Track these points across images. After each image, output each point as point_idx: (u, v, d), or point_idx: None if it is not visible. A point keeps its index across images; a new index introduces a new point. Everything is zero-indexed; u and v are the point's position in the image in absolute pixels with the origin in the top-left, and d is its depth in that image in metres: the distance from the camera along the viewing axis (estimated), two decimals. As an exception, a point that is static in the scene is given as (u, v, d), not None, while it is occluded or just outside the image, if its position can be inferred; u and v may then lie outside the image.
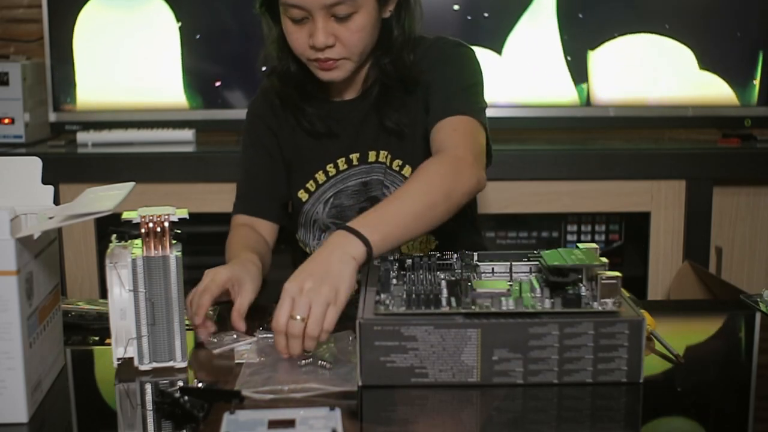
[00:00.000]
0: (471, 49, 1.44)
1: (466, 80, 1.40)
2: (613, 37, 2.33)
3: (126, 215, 1.03)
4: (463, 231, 1.51)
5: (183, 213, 1.03)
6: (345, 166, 1.46)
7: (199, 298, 1.17)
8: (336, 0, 1.27)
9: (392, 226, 1.12)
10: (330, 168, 1.46)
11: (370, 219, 1.12)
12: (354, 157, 1.45)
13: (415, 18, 1.40)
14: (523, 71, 2.35)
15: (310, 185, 1.47)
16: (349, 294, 1.06)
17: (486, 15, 2.34)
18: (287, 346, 1.04)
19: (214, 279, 1.19)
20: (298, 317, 1.02)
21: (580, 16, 2.33)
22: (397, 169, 1.44)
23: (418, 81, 1.40)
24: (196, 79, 2.40)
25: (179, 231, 1.04)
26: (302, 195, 1.48)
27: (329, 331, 1.04)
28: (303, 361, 1.03)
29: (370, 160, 1.45)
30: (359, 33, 1.32)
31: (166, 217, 1.02)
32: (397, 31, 1.39)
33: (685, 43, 2.33)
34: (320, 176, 1.47)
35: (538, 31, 2.34)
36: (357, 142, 1.45)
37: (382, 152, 1.45)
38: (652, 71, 2.35)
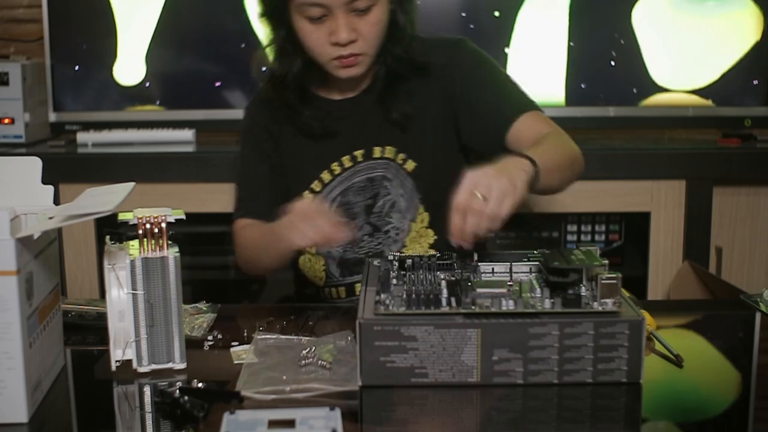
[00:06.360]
0: None
1: (512, 80, 1.46)
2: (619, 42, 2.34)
3: (122, 216, 1.03)
4: None
5: (179, 214, 1.03)
6: (350, 164, 1.47)
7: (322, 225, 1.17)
8: None
9: (546, 162, 1.20)
10: (335, 167, 1.47)
11: (528, 152, 1.19)
12: (358, 153, 1.46)
13: (415, 8, 1.44)
14: (524, 70, 2.35)
15: (316, 185, 1.48)
16: (523, 194, 1.11)
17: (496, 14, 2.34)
18: (463, 225, 1.07)
19: (315, 207, 1.21)
20: (480, 195, 1.06)
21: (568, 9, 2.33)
22: (401, 162, 1.46)
23: (429, 67, 1.43)
24: (196, 79, 2.40)
25: (172, 232, 1.04)
26: (308, 196, 1.48)
27: (504, 219, 1.08)
28: (303, 361, 1.03)
29: (375, 155, 1.46)
30: (378, 25, 1.35)
31: (163, 218, 1.02)
32: (403, 20, 1.42)
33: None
34: (326, 176, 1.47)
35: (539, 30, 2.34)
36: (360, 139, 1.47)
37: (387, 147, 1.46)
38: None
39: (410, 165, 1.46)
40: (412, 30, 1.43)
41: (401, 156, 1.46)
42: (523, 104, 1.42)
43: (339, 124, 1.47)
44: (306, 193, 1.48)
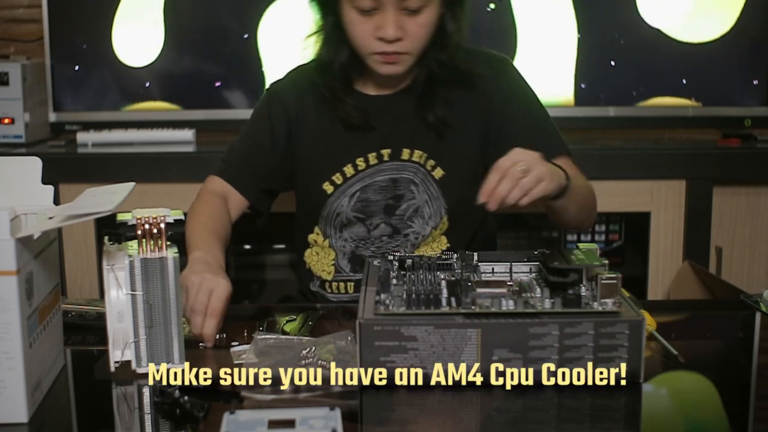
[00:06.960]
0: None
1: (549, 117, 1.50)
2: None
3: (120, 217, 1.02)
4: (476, 236, 1.53)
5: (178, 214, 1.03)
6: (375, 161, 1.45)
7: (209, 324, 1.14)
8: None
9: (574, 190, 1.30)
10: (360, 162, 1.46)
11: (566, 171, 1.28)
12: (385, 152, 1.45)
13: (466, 17, 1.43)
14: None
15: (337, 178, 1.46)
16: (550, 191, 1.19)
17: (491, 8, 2.34)
18: (497, 186, 1.14)
19: (218, 297, 1.15)
20: (522, 166, 1.14)
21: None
22: (430, 169, 1.45)
23: (474, 75, 1.44)
24: (196, 79, 2.40)
25: (171, 233, 1.04)
26: (327, 188, 1.46)
27: (534, 199, 1.16)
28: (303, 361, 1.03)
29: (403, 157, 1.45)
30: (426, 27, 1.35)
31: (162, 218, 1.02)
32: (451, 27, 1.40)
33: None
34: (348, 170, 1.46)
35: (539, 31, 2.34)
36: (390, 139, 1.45)
37: (417, 151, 1.45)
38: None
39: (438, 173, 1.45)
40: (460, 38, 1.42)
41: (431, 162, 1.45)
42: (558, 148, 1.44)
43: (372, 120, 1.46)
44: (326, 185, 1.46)
